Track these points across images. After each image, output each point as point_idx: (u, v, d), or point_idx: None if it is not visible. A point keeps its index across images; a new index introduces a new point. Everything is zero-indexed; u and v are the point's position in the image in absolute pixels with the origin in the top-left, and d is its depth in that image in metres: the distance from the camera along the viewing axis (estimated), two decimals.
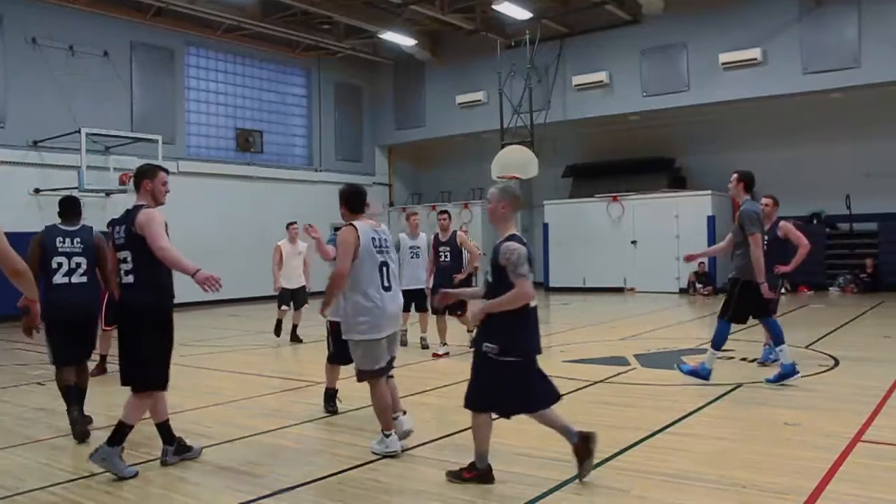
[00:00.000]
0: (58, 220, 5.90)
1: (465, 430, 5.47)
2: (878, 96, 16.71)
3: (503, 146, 19.10)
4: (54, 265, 5.63)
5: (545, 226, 20.74)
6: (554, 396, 4.35)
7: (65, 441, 5.46)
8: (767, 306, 6.97)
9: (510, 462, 4.64)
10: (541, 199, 21.60)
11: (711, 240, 18.26)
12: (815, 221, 18.58)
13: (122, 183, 15.67)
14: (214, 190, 18.48)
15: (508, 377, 4.11)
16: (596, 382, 7.25)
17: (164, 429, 4.85)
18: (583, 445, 4.20)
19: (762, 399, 6.34)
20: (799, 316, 13.24)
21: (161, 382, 4.75)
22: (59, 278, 5.61)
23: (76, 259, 5.71)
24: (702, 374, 6.95)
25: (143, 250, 4.52)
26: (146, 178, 4.80)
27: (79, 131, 14.84)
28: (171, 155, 17.25)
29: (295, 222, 11.16)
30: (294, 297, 11.01)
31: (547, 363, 8.56)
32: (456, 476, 4.29)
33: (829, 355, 8.34)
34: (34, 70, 15.51)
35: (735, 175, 7.01)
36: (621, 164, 20.01)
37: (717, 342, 6.96)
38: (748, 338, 9.46)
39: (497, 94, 19.86)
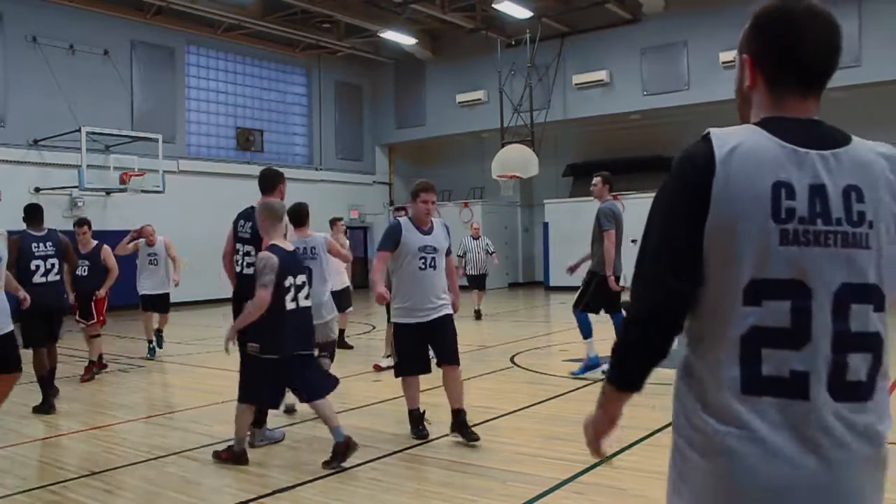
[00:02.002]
0: (24, 226, 6.70)
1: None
2: (879, 95, 16.70)
3: (503, 145, 19.09)
4: (33, 267, 6.41)
5: (545, 225, 20.74)
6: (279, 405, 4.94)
7: (65, 440, 5.47)
8: (617, 302, 7.39)
9: (511, 461, 4.65)
10: (541, 198, 21.61)
11: None
12: None
13: (122, 182, 15.68)
14: (214, 189, 18.45)
15: (267, 373, 4.64)
16: (596, 381, 7.26)
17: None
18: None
19: None
20: None
21: None
22: (37, 278, 6.39)
23: (51, 261, 6.55)
24: (593, 363, 7.47)
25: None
26: (281, 182, 5.43)
27: (79, 130, 14.85)
28: (171, 154, 17.25)
29: (341, 218, 10.22)
30: (339, 300, 9.95)
31: (547, 362, 8.59)
32: (216, 456, 4.79)
33: None
34: (34, 69, 15.50)
35: (599, 178, 7.52)
36: (622, 162, 19.97)
37: (586, 332, 7.46)
38: None
39: (497, 93, 19.85)
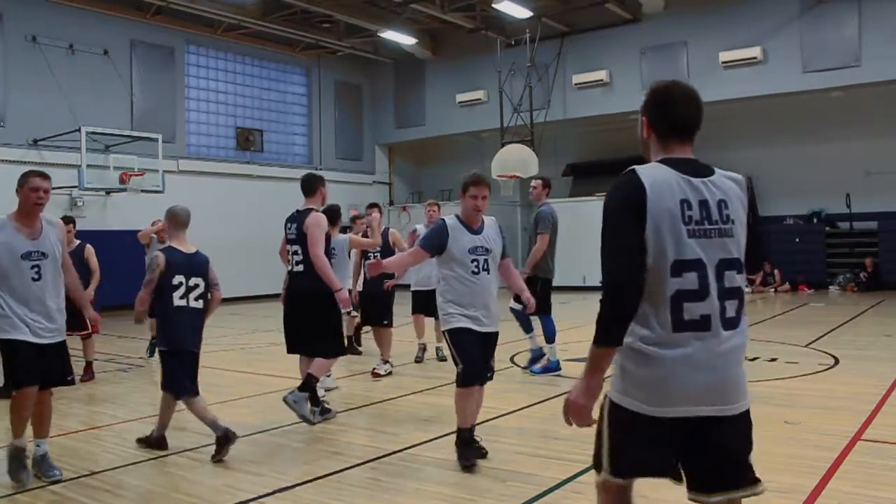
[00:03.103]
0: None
1: None
2: (879, 95, 16.70)
3: (503, 145, 19.09)
4: None
5: None
6: (189, 391, 5.11)
7: (65, 440, 5.46)
8: (548, 305, 7.62)
9: (510, 461, 4.65)
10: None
11: None
12: (815, 220, 18.57)
13: (122, 182, 15.67)
14: (214, 189, 18.46)
15: (163, 364, 5.07)
16: None
17: (310, 380, 5.72)
18: (224, 441, 4.86)
19: (762, 398, 6.33)
20: (799, 315, 13.24)
21: (343, 349, 6.02)
22: None
23: None
24: (552, 367, 7.55)
25: (307, 247, 5.60)
26: (322, 185, 5.91)
27: (79, 130, 14.84)
28: (171, 153, 17.24)
29: (360, 216, 9.67)
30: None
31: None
32: (139, 441, 5.17)
33: (830, 354, 8.34)
34: (34, 68, 15.49)
35: (540, 181, 7.71)
36: (621, 162, 19.54)
37: (550, 336, 7.68)
38: (748, 336, 9.42)
39: (497, 93, 19.85)
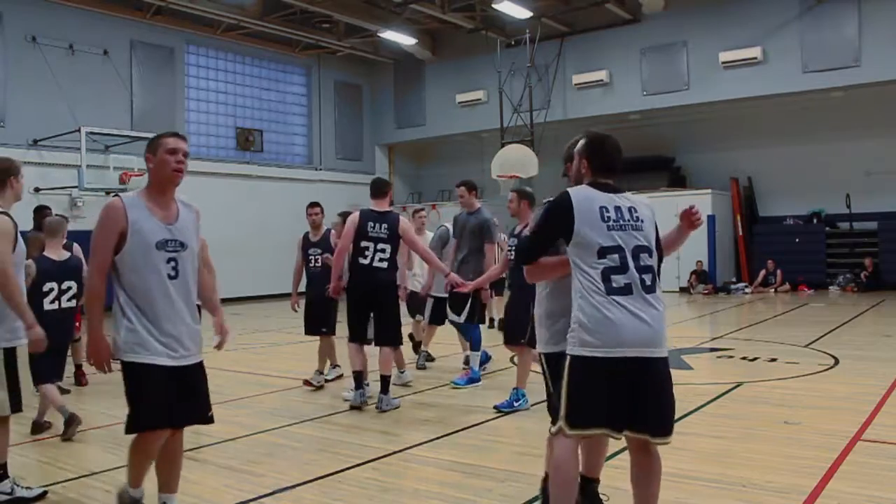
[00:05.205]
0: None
1: (465, 429, 5.50)
2: (879, 95, 16.70)
3: (503, 145, 19.08)
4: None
5: None
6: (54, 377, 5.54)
7: (65, 440, 5.46)
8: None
9: (511, 461, 4.65)
10: (541, 198, 21.43)
11: (712, 239, 18.26)
12: (815, 220, 18.57)
13: (122, 182, 15.67)
14: (214, 189, 18.45)
15: (31, 360, 4.98)
16: None
17: (386, 380, 6.23)
18: (70, 421, 5.37)
19: (762, 398, 6.34)
20: (799, 315, 13.24)
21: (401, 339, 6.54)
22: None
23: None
24: (475, 377, 7.20)
25: (397, 246, 6.25)
26: (390, 189, 6.52)
27: (79, 130, 14.85)
28: None
29: (423, 208, 9.26)
30: (422, 304, 8.38)
31: None
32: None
33: (830, 354, 8.34)
34: (34, 69, 15.50)
35: (464, 186, 7.24)
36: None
37: (477, 344, 7.33)
38: (748, 336, 9.46)
39: (497, 93, 19.84)
